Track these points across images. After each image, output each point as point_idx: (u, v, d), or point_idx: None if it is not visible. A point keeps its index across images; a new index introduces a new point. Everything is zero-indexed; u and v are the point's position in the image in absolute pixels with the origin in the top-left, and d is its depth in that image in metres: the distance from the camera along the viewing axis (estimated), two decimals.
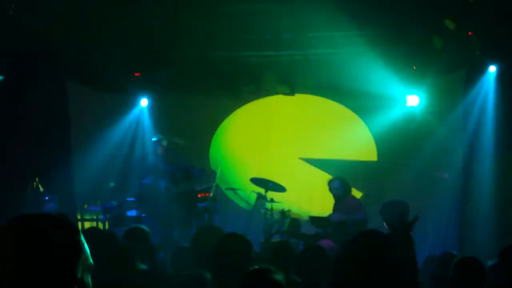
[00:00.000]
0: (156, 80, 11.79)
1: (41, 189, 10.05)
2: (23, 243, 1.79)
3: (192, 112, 12.24)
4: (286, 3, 9.49)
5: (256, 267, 3.53)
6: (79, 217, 10.99)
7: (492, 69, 9.72)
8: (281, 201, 10.14)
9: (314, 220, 9.58)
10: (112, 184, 11.05)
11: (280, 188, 10.16)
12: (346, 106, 11.83)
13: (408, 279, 3.75)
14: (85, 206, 11.21)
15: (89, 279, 1.89)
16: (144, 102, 12.24)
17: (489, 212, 9.51)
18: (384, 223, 7.62)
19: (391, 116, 11.14)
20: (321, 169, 11.59)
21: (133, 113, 12.21)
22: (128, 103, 12.15)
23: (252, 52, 11.25)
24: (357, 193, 10.61)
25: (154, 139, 10.70)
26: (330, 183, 9.61)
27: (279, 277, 3.36)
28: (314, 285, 5.03)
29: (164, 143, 10.64)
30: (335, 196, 9.60)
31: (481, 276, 4.73)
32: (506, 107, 9.51)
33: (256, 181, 10.26)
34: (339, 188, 9.49)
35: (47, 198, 9.99)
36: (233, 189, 10.94)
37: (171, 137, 10.78)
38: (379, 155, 11.58)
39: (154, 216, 10.17)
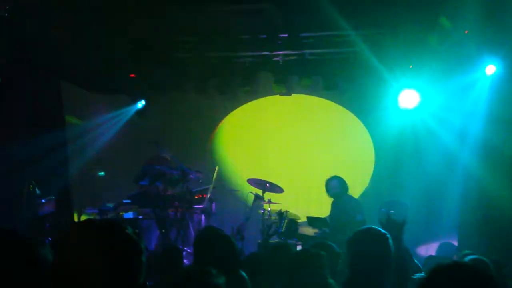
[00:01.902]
0: (152, 81, 11.77)
1: (37, 191, 10.00)
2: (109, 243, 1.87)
3: (188, 113, 12.22)
4: (282, 3, 9.47)
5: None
6: (76, 219, 10.97)
7: (490, 68, 9.69)
8: (278, 202, 10.11)
9: (311, 220, 9.57)
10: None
11: (277, 189, 10.14)
12: (343, 106, 11.82)
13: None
14: (82, 209, 11.17)
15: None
16: (140, 103, 12.22)
17: (488, 213, 9.50)
18: (380, 224, 7.59)
19: (388, 115, 11.12)
20: (318, 170, 11.57)
21: (129, 114, 12.18)
22: (124, 104, 12.12)
23: (247, 52, 11.24)
24: (354, 194, 10.59)
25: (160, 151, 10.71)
26: (328, 182, 9.61)
27: (220, 280, 3.21)
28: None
29: (166, 155, 10.70)
30: (332, 195, 9.59)
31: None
32: (504, 106, 9.48)
33: (253, 182, 10.24)
34: (337, 187, 9.48)
35: (43, 200, 9.94)
36: (231, 190, 10.91)
37: (160, 148, 10.75)
38: (376, 155, 11.56)
39: (150, 218, 10.14)
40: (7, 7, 8.04)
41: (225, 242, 4.52)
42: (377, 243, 3.98)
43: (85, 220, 2.05)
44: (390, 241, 4.05)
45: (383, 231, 4.11)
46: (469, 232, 9.79)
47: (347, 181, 9.65)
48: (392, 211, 8.88)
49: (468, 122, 9.91)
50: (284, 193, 10.24)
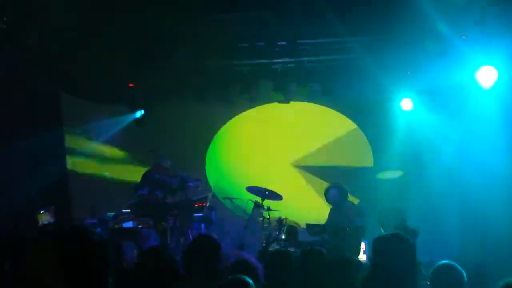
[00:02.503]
0: (151, 90, 11.79)
1: (38, 201, 10.01)
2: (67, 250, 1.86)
3: (187, 121, 12.22)
4: (280, 11, 9.49)
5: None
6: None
7: (488, 72, 9.69)
8: (278, 209, 10.11)
9: (310, 227, 9.56)
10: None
11: (276, 196, 10.13)
12: (342, 112, 11.83)
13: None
14: (82, 219, 11.17)
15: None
16: (139, 112, 12.24)
17: (489, 217, 9.49)
18: (381, 228, 7.61)
19: (386, 121, 11.13)
20: (318, 176, 11.58)
21: (127, 121, 12.21)
22: (123, 113, 12.14)
23: (246, 60, 11.26)
24: (353, 199, 10.60)
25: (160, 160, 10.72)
26: (326, 191, 9.60)
27: None
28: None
29: (165, 163, 10.72)
30: (332, 204, 9.58)
31: (459, 284, 4.72)
32: (503, 110, 9.48)
33: (252, 190, 10.23)
34: (336, 196, 9.48)
35: (43, 210, 9.94)
36: (230, 198, 10.91)
37: (158, 156, 10.76)
38: (375, 160, 11.56)
39: (150, 227, 10.12)
40: (5, 19, 8.07)
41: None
42: (405, 251, 3.84)
43: (48, 230, 2.05)
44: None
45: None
46: (469, 237, 9.79)
47: (346, 187, 9.65)
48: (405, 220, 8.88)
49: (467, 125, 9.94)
50: (283, 200, 10.24)
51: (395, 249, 3.80)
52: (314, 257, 5.53)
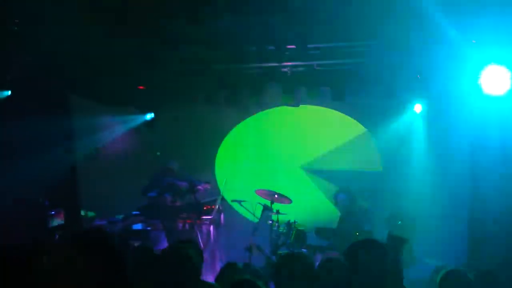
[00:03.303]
0: (161, 93, 11.82)
1: (47, 203, 10.05)
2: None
3: (197, 124, 12.25)
4: (290, 14, 9.50)
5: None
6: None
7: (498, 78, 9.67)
8: (287, 212, 10.09)
9: (319, 231, 9.55)
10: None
11: (285, 200, 10.12)
12: (351, 116, 11.81)
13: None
14: (91, 221, 11.22)
15: None
16: (149, 115, 12.30)
17: (497, 223, 9.45)
18: (389, 233, 7.59)
19: (395, 125, 11.12)
20: (327, 180, 11.56)
21: (136, 123, 12.27)
22: (134, 116, 12.19)
23: (256, 63, 11.28)
24: (362, 204, 10.57)
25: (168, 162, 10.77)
26: (335, 197, 9.62)
27: None
28: None
29: (173, 165, 10.76)
30: (341, 209, 9.58)
31: None
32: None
33: (262, 193, 10.22)
34: (345, 200, 9.48)
35: (52, 212, 9.99)
36: (239, 201, 10.90)
37: (168, 159, 10.80)
38: (384, 165, 11.53)
39: (159, 229, 10.15)
40: (16, 21, 8.13)
41: None
42: (374, 256, 3.89)
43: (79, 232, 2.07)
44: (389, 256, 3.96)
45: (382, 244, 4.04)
46: (477, 242, 9.74)
47: (354, 192, 9.64)
48: (399, 221, 8.89)
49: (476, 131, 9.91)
50: (292, 203, 10.24)
51: (367, 255, 3.90)
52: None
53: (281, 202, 10.13)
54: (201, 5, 8.44)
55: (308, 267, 4.92)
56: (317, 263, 8.79)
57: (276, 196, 10.06)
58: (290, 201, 10.15)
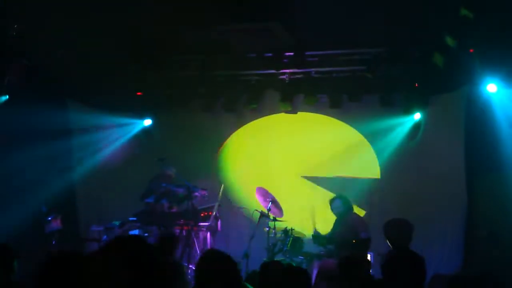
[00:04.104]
0: (159, 99, 11.84)
1: (44, 209, 10.05)
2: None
3: (195, 131, 12.23)
4: (288, 22, 9.54)
5: None
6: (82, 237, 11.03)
7: (493, 87, 9.75)
8: (284, 219, 10.09)
9: (316, 238, 9.55)
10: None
11: (278, 211, 10.09)
12: (349, 124, 11.81)
13: None
14: (88, 226, 11.22)
15: None
16: (147, 121, 12.31)
17: (493, 229, 9.48)
18: (387, 241, 7.58)
19: (393, 133, 11.14)
20: (324, 187, 11.56)
21: (134, 131, 12.28)
22: (131, 122, 12.20)
23: (254, 70, 11.31)
24: (360, 211, 10.58)
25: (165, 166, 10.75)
26: (331, 202, 9.64)
27: None
28: None
29: (170, 171, 10.76)
30: (336, 215, 9.61)
31: None
32: (505, 124, 9.52)
33: (261, 192, 10.18)
34: (340, 207, 9.51)
35: (50, 218, 9.98)
36: (237, 207, 10.91)
37: (165, 165, 10.80)
38: (382, 172, 11.54)
39: (156, 236, 10.13)
40: (15, 26, 8.15)
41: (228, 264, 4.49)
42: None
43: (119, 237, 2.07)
44: None
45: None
46: (474, 249, 9.77)
47: (351, 199, 9.65)
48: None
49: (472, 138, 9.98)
50: (289, 210, 10.24)
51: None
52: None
53: (273, 213, 10.10)
54: (201, 13, 8.48)
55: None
56: (314, 271, 8.88)
57: (272, 202, 10.02)
58: (282, 214, 10.13)
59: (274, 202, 10.05)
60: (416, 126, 11.00)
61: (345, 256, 5.84)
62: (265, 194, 10.19)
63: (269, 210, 10.02)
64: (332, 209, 9.58)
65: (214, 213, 10.40)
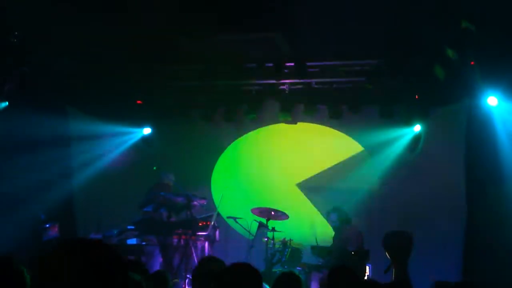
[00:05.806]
0: (158, 108, 11.84)
1: (43, 216, 10.02)
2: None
3: (194, 140, 12.23)
4: (289, 32, 9.55)
5: None
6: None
7: (493, 100, 9.76)
8: (282, 230, 10.06)
9: (315, 249, 9.52)
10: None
11: (282, 216, 10.07)
12: (348, 135, 11.81)
13: None
14: (86, 235, 11.17)
15: None
16: (146, 130, 12.29)
17: (492, 239, 9.47)
18: (386, 253, 7.55)
19: (393, 144, 11.13)
20: (323, 198, 11.53)
21: (134, 139, 12.27)
22: (130, 130, 12.19)
23: (254, 80, 11.32)
24: (358, 222, 10.54)
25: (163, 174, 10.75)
26: (327, 215, 9.66)
27: None
28: None
29: (168, 179, 10.75)
30: (333, 228, 9.62)
31: None
32: (506, 137, 9.52)
33: (257, 211, 10.17)
34: (336, 221, 9.52)
35: (47, 225, 9.95)
36: (235, 218, 10.87)
37: (163, 173, 10.79)
38: (381, 183, 11.51)
39: (154, 245, 10.10)
40: (16, 33, 8.16)
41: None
42: None
43: (70, 239, 2.02)
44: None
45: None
46: (473, 258, 9.76)
47: (350, 210, 9.64)
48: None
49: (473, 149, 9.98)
50: (288, 221, 10.20)
51: None
52: None
53: (278, 219, 10.08)
54: (202, 22, 8.49)
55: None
56: (313, 283, 8.85)
57: (272, 213, 10.01)
58: (287, 216, 10.10)
59: (274, 213, 10.01)
60: (416, 138, 11.00)
61: (335, 266, 5.86)
62: (261, 211, 10.15)
63: (268, 220, 9.98)
64: (328, 222, 9.61)
65: (212, 223, 10.36)
